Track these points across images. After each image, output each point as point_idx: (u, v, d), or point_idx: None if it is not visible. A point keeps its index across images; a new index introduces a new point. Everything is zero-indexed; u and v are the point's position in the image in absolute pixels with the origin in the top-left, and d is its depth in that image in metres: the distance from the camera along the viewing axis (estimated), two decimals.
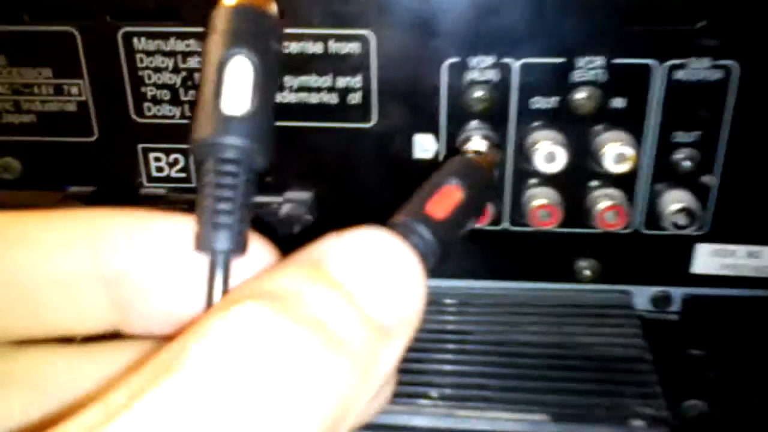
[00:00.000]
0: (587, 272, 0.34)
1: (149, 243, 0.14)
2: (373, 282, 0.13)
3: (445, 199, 0.15)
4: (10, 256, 0.14)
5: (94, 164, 0.33)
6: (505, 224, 0.33)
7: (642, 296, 0.35)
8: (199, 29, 0.30)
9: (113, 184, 0.33)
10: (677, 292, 0.35)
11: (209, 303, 0.13)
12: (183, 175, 0.33)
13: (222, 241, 0.13)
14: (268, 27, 0.15)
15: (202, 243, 0.14)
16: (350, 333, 0.12)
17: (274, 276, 0.13)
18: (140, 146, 0.33)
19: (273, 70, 0.14)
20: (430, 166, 0.32)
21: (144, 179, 0.33)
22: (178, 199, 0.33)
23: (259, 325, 0.11)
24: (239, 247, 0.14)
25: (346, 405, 0.11)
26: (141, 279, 0.14)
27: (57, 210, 0.15)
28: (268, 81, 0.14)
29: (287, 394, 0.11)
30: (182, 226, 0.14)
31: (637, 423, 0.29)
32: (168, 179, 0.33)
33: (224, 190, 0.14)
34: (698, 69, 0.29)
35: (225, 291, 0.13)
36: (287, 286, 0.12)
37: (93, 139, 0.33)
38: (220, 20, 0.15)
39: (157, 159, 0.33)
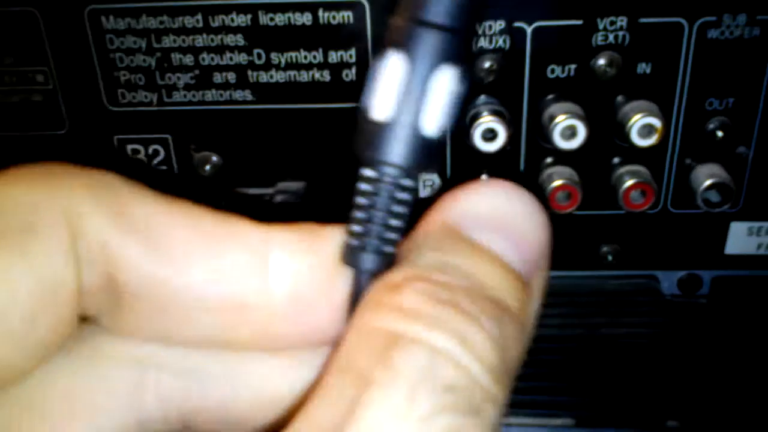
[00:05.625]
0: (610, 257, 0.31)
1: (312, 264, 0.14)
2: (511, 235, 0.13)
3: None
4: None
5: (66, 159, 0.30)
6: None
7: (669, 280, 0.32)
8: (173, 3, 0.27)
9: None
10: (707, 275, 0.32)
11: (350, 314, 0.13)
12: (164, 168, 0.30)
13: (369, 261, 0.13)
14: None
15: (349, 259, 0.13)
16: (511, 297, 0.12)
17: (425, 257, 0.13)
18: (116, 137, 0.30)
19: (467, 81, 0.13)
20: None
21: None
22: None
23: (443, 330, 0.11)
24: (385, 267, 0.13)
25: (516, 366, 0.12)
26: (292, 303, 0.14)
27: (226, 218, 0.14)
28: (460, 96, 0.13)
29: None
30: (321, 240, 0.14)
31: (672, 423, 0.26)
32: None
33: (383, 210, 0.13)
34: (733, 26, 0.26)
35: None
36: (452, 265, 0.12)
37: (63, 131, 0.30)
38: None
39: (135, 151, 0.30)
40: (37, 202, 0.13)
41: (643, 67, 0.27)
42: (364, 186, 0.13)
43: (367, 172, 0.13)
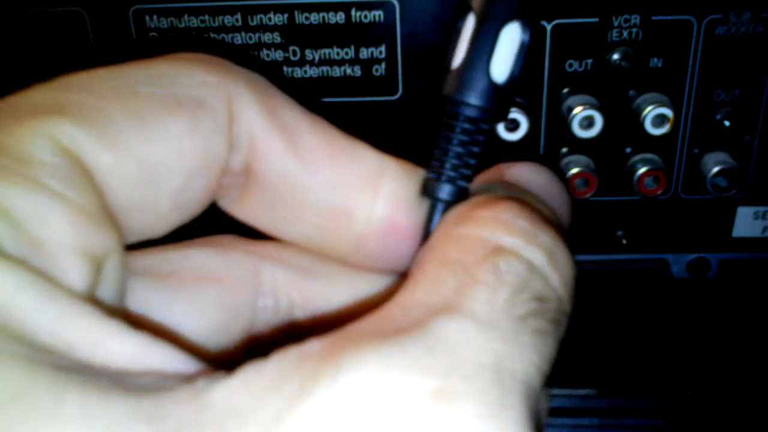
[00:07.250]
0: (625, 241, 0.32)
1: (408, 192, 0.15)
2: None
3: None
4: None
5: None
6: None
7: (679, 264, 0.34)
8: (213, 3, 0.29)
9: None
10: (714, 258, 0.34)
11: (423, 242, 0.15)
12: None
13: (444, 191, 0.15)
14: None
15: (427, 190, 0.15)
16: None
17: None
18: None
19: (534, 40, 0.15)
20: None
21: None
22: None
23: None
24: (459, 199, 0.15)
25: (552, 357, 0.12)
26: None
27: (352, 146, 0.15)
28: (528, 52, 0.15)
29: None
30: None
31: (689, 392, 0.28)
32: None
33: (460, 146, 0.15)
34: (738, 23, 0.28)
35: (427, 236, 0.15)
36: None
37: None
38: None
39: None
40: (208, 81, 0.14)
41: (655, 62, 0.29)
42: (444, 126, 0.15)
43: (447, 113, 0.14)
